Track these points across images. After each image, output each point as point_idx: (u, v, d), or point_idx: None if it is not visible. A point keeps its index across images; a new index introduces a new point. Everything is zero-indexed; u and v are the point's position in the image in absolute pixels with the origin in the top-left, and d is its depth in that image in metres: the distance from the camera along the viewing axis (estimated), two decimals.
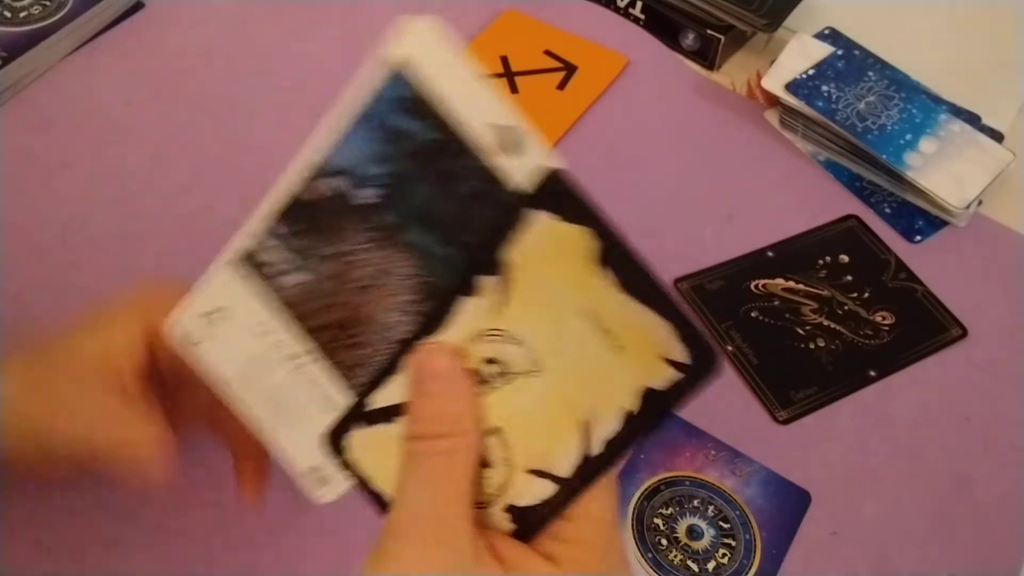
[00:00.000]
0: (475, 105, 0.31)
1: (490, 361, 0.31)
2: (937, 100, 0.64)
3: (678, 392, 0.29)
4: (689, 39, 0.68)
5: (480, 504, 0.32)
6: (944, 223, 0.60)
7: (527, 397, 0.31)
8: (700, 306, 0.54)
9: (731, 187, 0.61)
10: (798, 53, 0.64)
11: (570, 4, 0.71)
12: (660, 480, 0.48)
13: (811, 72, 0.63)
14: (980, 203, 0.60)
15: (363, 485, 0.34)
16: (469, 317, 0.31)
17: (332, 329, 0.34)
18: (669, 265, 0.56)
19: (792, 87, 0.62)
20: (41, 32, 0.63)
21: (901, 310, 0.55)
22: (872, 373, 0.52)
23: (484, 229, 0.30)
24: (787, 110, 0.63)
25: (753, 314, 0.54)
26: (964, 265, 0.58)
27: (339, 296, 0.34)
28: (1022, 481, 0.49)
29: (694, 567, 0.45)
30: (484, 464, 0.31)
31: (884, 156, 0.59)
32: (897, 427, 0.51)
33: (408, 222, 0.32)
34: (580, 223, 0.29)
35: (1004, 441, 0.50)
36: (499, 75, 0.66)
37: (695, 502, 0.47)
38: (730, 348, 0.53)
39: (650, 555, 0.45)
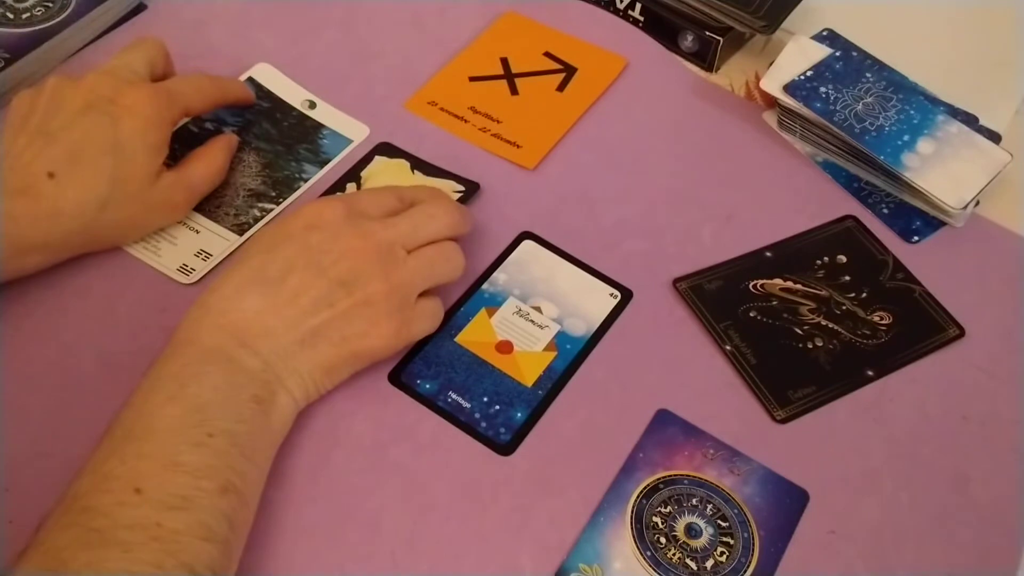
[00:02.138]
0: (289, 93, 0.64)
1: None
2: (935, 101, 0.64)
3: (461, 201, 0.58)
4: (688, 41, 0.69)
5: None
6: (942, 224, 0.60)
7: None
8: (699, 306, 0.55)
9: (729, 188, 0.61)
10: (796, 54, 0.64)
11: (570, 6, 0.71)
12: (659, 479, 0.48)
13: (809, 73, 0.63)
14: (977, 204, 0.60)
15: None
16: None
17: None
18: (668, 265, 0.57)
19: (790, 88, 0.62)
20: (44, 33, 0.63)
21: (899, 310, 0.55)
22: (870, 373, 0.53)
23: (299, 135, 0.62)
24: (785, 111, 0.63)
25: (751, 314, 0.55)
26: (962, 265, 0.58)
27: None
28: (1020, 480, 0.49)
29: (692, 565, 0.45)
30: None
31: (882, 157, 0.59)
32: (895, 426, 0.51)
33: (254, 139, 0.61)
34: (400, 158, 0.61)
35: (1002, 440, 0.51)
36: (499, 76, 0.66)
37: (693, 500, 0.47)
38: (728, 348, 0.53)
39: (649, 553, 0.45)
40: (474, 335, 0.53)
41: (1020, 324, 0.55)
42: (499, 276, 0.55)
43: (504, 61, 0.67)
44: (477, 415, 0.50)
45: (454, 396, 0.50)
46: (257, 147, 0.60)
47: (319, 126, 0.62)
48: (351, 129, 0.62)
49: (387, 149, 0.61)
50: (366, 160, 0.60)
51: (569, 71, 0.67)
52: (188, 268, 0.54)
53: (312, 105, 0.63)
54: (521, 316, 0.54)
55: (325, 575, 0.44)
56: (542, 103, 0.65)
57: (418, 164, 0.60)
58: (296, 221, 0.48)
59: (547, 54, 0.68)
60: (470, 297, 0.54)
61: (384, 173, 0.59)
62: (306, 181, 0.59)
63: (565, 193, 0.60)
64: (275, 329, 0.45)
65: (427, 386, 0.51)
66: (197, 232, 0.56)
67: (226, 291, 0.46)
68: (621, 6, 0.71)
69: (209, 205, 0.57)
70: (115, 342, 0.51)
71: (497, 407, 0.50)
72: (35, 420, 0.48)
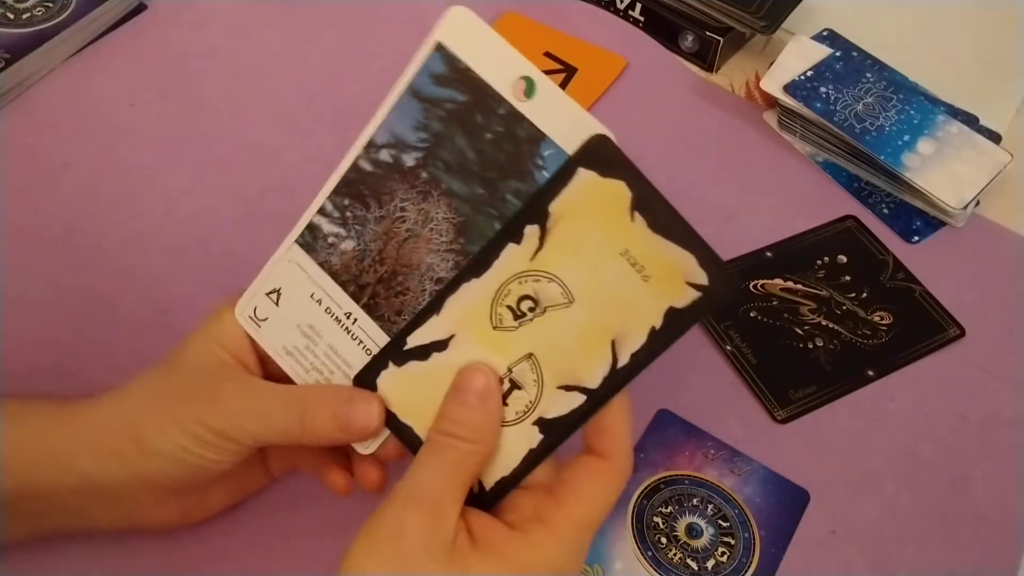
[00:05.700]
0: (495, 66, 0.35)
1: (524, 298, 0.36)
2: (935, 101, 0.64)
3: (697, 309, 0.33)
4: (688, 41, 0.69)
5: (508, 423, 0.37)
6: (942, 224, 0.60)
7: (558, 325, 0.35)
8: None
9: (730, 188, 0.61)
10: (796, 55, 0.64)
11: (570, 6, 0.71)
12: (659, 479, 0.48)
13: (809, 74, 0.63)
14: (978, 204, 0.60)
15: (393, 422, 0.38)
16: (508, 261, 0.36)
17: (376, 285, 0.39)
18: None
19: (790, 88, 0.62)
20: (44, 33, 0.63)
21: (899, 310, 0.55)
22: (870, 373, 0.53)
23: (507, 163, 0.35)
24: (785, 111, 0.63)
25: (752, 314, 0.55)
26: (962, 265, 0.58)
27: (384, 253, 0.38)
28: (1020, 480, 0.49)
29: (693, 565, 0.45)
30: (516, 386, 0.36)
31: (882, 157, 0.60)
32: (895, 426, 0.51)
33: (445, 173, 0.37)
34: (616, 177, 0.34)
35: (1002, 440, 0.51)
36: None
37: (694, 501, 0.47)
38: (729, 348, 0.53)
39: (650, 553, 0.45)
40: None
41: (1020, 324, 0.55)
42: None
43: None
44: None
45: None
46: (448, 189, 0.37)
47: (538, 137, 0.35)
48: (581, 136, 0.34)
49: (600, 154, 0.34)
50: (562, 178, 0.34)
51: (569, 71, 0.67)
52: None
53: (530, 88, 0.35)
54: None
55: (326, 574, 0.44)
56: None
57: (642, 200, 0.34)
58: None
59: (547, 54, 0.68)
60: None
61: (587, 213, 0.34)
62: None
63: None
64: None
65: None
66: (367, 351, 0.39)
67: None
68: (621, 6, 0.71)
69: (384, 305, 0.39)
70: (115, 342, 0.51)
71: None
72: None
